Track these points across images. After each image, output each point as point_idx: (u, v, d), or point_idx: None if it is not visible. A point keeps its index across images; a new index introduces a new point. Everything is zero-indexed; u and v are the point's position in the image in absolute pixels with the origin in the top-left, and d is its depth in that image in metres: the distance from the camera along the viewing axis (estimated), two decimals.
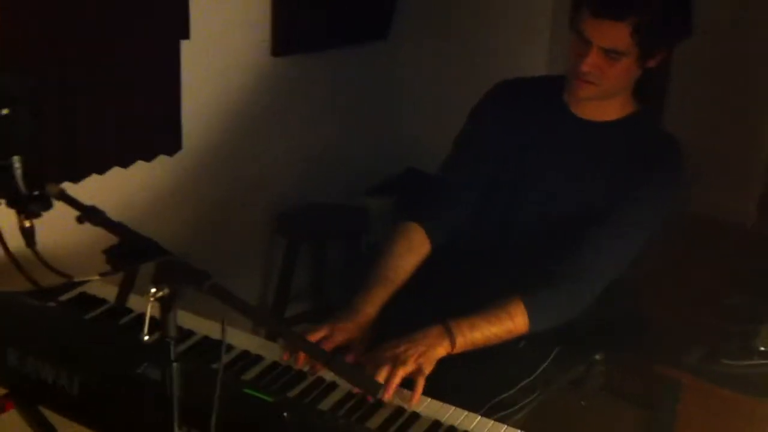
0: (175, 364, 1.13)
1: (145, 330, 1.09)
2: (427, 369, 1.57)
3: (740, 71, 3.93)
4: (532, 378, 1.80)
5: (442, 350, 1.61)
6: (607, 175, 1.80)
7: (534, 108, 1.91)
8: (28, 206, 1.12)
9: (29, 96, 1.14)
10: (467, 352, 1.65)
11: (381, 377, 1.52)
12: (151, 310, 1.07)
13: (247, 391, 1.39)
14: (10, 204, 1.15)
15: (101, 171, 2.23)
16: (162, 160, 2.38)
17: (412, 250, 1.84)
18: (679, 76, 3.55)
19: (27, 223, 1.16)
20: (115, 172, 2.26)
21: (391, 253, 1.83)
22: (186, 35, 2.34)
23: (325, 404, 1.49)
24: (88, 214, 1.13)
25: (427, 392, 1.53)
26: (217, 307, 1.96)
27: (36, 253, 1.17)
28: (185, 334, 1.69)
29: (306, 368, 1.57)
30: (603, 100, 1.82)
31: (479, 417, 1.47)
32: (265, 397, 1.38)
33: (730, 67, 3.91)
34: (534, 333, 1.71)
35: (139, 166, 2.33)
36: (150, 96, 2.31)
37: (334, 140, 2.06)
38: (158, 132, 2.37)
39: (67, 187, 2.15)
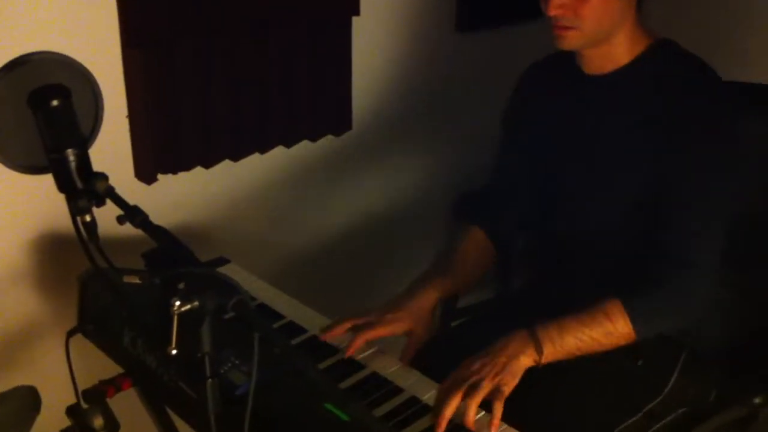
0: (209, 381, 1.06)
1: (173, 343, 1.02)
2: (509, 385, 1.35)
3: None
4: (659, 399, 1.54)
5: (526, 360, 1.38)
6: (638, 135, 1.51)
7: (557, 81, 1.68)
8: (77, 202, 1.08)
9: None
10: (577, 373, 1.43)
11: (450, 408, 1.32)
12: (176, 323, 1.00)
13: (327, 406, 1.31)
14: (68, 199, 1.12)
15: (263, 150, 2.22)
16: (325, 140, 2.32)
17: (477, 249, 1.73)
18: None
19: (87, 218, 1.13)
20: (277, 151, 2.24)
21: (456, 249, 1.72)
22: (357, 11, 2.25)
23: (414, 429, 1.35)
24: (131, 214, 1.08)
25: (529, 420, 1.32)
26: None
27: (99, 248, 1.14)
28: (296, 330, 1.63)
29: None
30: (601, 46, 1.53)
31: None
32: (342, 416, 1.29)
33: None
34: (644, 340, 1.45)
35: (302, 146, 2.28)
36: (319, 74, 2.25)
37: None
38: (327, 111, 2.31)
39: (227, 165, 2.20)
